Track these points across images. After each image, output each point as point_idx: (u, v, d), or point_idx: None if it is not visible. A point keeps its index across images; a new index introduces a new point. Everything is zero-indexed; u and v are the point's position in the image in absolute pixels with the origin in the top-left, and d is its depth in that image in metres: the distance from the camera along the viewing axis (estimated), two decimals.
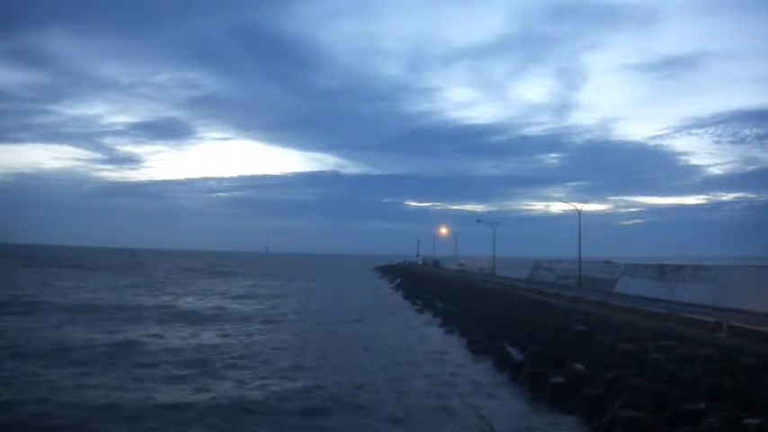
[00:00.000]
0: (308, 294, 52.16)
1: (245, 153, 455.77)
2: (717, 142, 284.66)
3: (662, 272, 35.20)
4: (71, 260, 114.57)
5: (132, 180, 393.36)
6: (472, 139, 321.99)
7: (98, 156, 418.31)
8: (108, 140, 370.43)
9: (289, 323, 31.34)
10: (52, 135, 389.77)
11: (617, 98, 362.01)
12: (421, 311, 38.26)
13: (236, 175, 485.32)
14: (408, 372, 18.79)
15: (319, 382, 16.48)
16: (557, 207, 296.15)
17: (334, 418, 13.29)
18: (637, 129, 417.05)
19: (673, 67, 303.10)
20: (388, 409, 14.09)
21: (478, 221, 78.88)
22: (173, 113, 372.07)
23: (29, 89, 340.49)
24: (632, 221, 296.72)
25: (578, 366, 14.78)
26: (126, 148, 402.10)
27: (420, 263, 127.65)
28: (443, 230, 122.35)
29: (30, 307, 33.91)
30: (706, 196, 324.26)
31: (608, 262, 46.74)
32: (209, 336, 25.69)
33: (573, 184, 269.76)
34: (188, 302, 40.53)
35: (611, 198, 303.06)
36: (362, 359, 21.03)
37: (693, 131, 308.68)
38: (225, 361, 19.83)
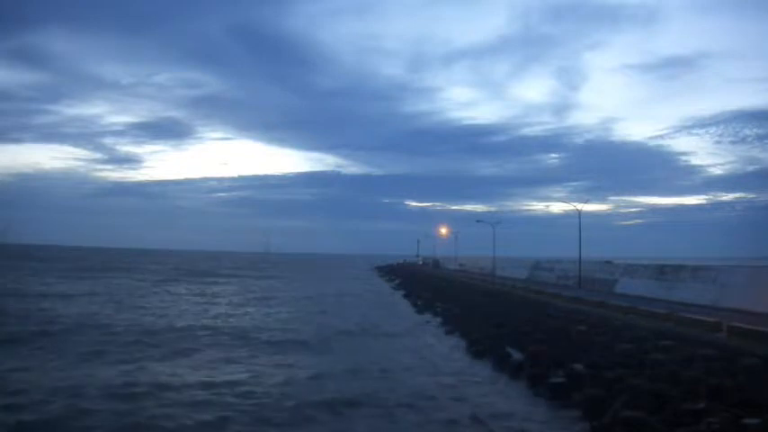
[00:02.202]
0: (309, 297, 52.05)
1: (246, 153, 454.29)
2: (717, 142, 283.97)
3: (662, 272, 35.25)
4: (69, 261, 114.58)
5: (132, 180, 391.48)
6: (472, 139, 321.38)
7: (98, 156, 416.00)
8: (108, 140, 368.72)
9: (294, 335, 28.15)
10: (52, 135, 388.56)
11: (617, 98, 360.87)
12: (421, 312, 38.27)
13: (236, 174, 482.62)
14: (407, 372, 18.79)
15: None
16: (557, 207, 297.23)
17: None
18: (637, 129, 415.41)
19: (673, 67, 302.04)
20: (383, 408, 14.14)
21: (478, 221, 78.67)
22: (173, 113, 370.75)
23: (29, 89, 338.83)
24: (632, 221, 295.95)
25: (578, 366, 14.80)
26: (126, 148, 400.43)
27: (420, 263, 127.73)
28: (443, 230, 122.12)
29: None
30: (706, 196, 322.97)
31: (608, 262, 46.83)
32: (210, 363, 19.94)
33: (573, 184, 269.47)
34: (184, 311, 36.59)
35: (611, 198, 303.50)
36: (363, 362, 20.89)
37: (694, 131, 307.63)
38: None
